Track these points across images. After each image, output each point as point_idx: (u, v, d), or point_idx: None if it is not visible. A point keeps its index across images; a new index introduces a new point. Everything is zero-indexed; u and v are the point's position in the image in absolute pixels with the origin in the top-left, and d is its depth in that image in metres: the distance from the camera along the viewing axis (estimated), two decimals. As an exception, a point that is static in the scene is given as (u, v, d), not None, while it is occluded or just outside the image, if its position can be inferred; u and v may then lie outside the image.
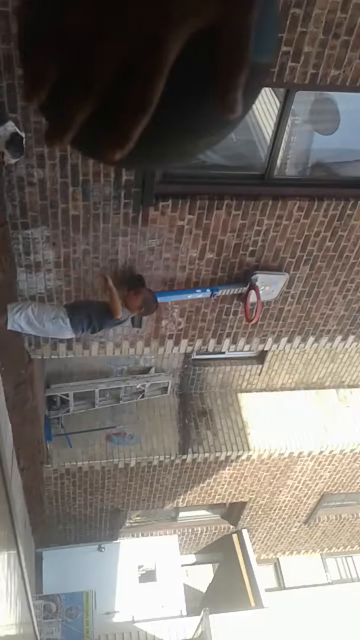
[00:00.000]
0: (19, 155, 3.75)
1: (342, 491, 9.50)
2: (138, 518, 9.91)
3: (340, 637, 8.20)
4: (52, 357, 5.74)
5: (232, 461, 8.08)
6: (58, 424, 7.60)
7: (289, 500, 9.41)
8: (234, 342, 5.83)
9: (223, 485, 8.65)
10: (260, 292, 5.08)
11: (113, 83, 0.36)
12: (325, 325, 5.80)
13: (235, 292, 5.18)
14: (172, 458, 7.80)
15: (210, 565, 11.28)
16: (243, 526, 10.04)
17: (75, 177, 4.18)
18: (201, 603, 10.14)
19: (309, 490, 9.20)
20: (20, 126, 3.73)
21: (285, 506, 9.57)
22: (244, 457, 8.00)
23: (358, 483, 9.29)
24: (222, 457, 7.94)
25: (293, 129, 4.50)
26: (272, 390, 8.34)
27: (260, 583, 9.40)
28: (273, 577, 11.68)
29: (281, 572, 11.66)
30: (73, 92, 0.36)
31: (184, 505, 9.12)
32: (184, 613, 9.15)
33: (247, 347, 6.01)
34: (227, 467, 8.23)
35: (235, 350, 6.19)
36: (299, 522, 10.17)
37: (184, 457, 7.80)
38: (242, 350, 6.33)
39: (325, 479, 8.95)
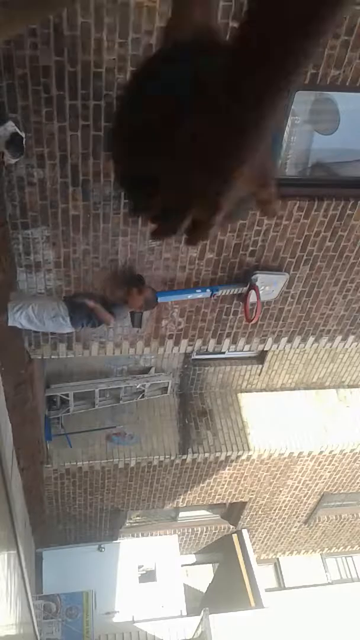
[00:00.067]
0: (19, 155, 3.75)
1: (342, 491, 9.50)
2: (138, 518, 9.91)
3: (340, 637, 8.20)
4: (52, 357, 5.74)
5: (232, 461, 8.08)
6: (58, 424, 7.59)
7: (289, 500, 9.41)
8: (234, 342, 5.83)
9: (223, 485, 8.65)
10: (260, 292, 5.08)
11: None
12: (325, 325, 5.80)
13: (235, 292, 5.18)
14: (172, 458, 7.80)
15: (210, 565, 11.28)
16: (243, 526, 10.03)
17: (75, 177, 4.19)
18: (201, 603, 10.13)
19: (309, 490, 9.20)
20: (20, 126, 3.74)
21: (285, 506, 9.57)
22: (244, 457, 8.00)
23: (358, 483, 9.29)
24: (222, 457, 7.94)
25: (293, 129, 4.49)
26: (272, 390, 8.34)
27: (260, 583, 9.39)
28: (273, 577, 11.68)
29: (281, 572, 11.66)
30: (171, 220, 0.54)
31: (184, 505, 9.12)
32: (184, 613, 9.15)
33: (247, 347, 6.01)
34: (227, 467, 8.23)
35: (235, 350, 6.19)
36: (299, 522, 10.17)
37: (184, 457, 7.80)
38: (242, 350, 6.32)
39: (325, 479, 8.95)
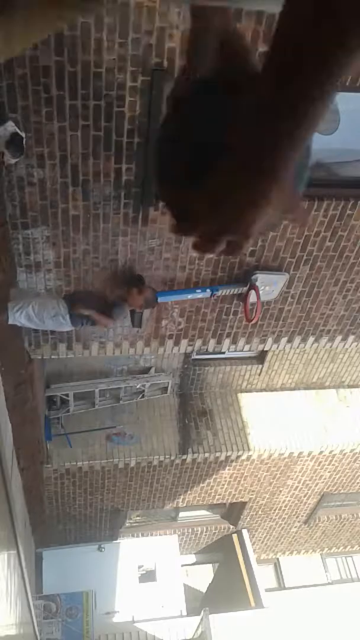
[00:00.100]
0: (19, 155, 3.76)
1: (342, 491, 9.50)
2: (138, 518, 9.91)
3: (340, 637, 8.20)
4: (52, 357, 5.74)
5: (232, 461, 8.08)
6: (58, 424, 7.59)
7: (289, 500, 9.41)
8: (234, 342, 5.83)
9: (223, 485, 8.65)
10: (260, 292, 5.08)
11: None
12: (325, 325, 5.80)
13: (235, 292, 5.18)
14: (172, 458, 7.80)
15: (210, 565, 11.27)
16: (243, 526, 10.03)
17: (75, 177, 4.19)
18: (201, 603, 10.13)
19: (309, 490, 9.20)
20: (20, 126, 3.74)
21: (285, 506, 9.56)
22: (244, 457, 8.00)
23: (358, 483, 9.29)
24: (222, 457, 7.94)
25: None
26: (272, 390, 8.34)
27: (260, 583, 9.39)
28: (273, 577, 11.68)
29: (281, 572, 11.66)
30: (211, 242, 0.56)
31: (184, 505, 9.12)
32: (184, 613, 9.15)
33: (247, 347, 6.00)
34: (227, 467, 8.23)
35: (235, 350, 6.19)
36: (299, 522, 10.17)
37: (184, 457, 7.80)
38: (242, 350, 6.32)
39: (325, 479, 8.95)
